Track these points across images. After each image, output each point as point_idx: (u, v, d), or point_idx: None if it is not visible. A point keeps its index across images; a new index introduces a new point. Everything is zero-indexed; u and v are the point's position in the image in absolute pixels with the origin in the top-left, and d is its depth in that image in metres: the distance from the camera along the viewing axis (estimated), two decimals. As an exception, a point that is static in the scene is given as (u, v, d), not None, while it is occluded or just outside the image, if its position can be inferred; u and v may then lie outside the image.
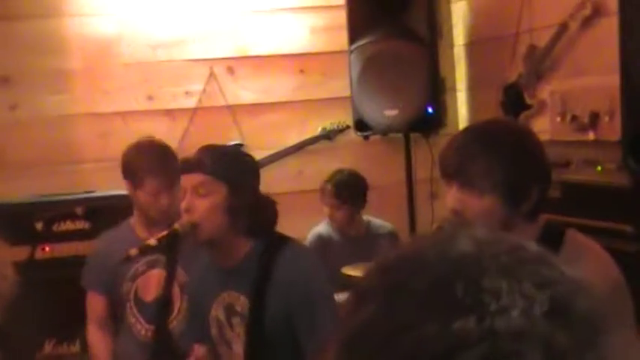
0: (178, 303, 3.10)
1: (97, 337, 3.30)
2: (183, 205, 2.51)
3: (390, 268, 0.81)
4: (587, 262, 2.00)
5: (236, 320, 2.60)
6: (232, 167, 2.57)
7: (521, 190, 2.02)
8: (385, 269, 0.82)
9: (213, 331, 2.66)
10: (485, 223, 2.02)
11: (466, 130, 2.19)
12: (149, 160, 3.15)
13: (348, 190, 4.37)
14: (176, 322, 3.09)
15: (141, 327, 3.23)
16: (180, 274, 2.95)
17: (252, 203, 2.56)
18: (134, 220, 3.25)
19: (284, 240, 2.63)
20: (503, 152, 2.02)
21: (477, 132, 2.15)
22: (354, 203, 4.39)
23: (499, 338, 0.71)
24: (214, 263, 2.65)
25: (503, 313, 0.72)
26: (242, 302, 2.57)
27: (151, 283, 3.14)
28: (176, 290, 3.00)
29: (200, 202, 2.50)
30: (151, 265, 3.13)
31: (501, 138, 2.07)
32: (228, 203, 2.51)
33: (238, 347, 2.61)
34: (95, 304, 3.30)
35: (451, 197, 2.04)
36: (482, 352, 0.71)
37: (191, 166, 2.55)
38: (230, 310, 2.61)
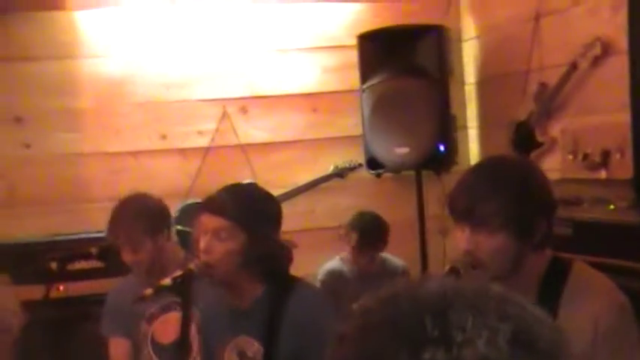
0: (196, 344, 3.10)
1: None
2: (201, 245, 2.52)
3: (366, 311, 0.88)
4: (593, 291, 2.04)
5: None
6: (256, 216, 2.56)
7: (530, 225, 2.05)
8: (362, 312, 0.89)
9: None
10: (498, 261, 2.03)
11: (473, 169, 2.20)
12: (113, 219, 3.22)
13: (373, 237, 4.38)
14: None
15: None
16: (196, 316, 2.95)
17: (268, 251, 2.56)
18: None
19: (294, 282, 2.63)
20: (511, 190, 2.04)
21: (484, 171, 2.17)
22: (377, 247, 4.40)
23: None
24: (226, 304, 2.65)
25: (469, 343, 0.79)
26: (255, 347, 2.56)
27: (168, 326, 3.13)
28: (193, 331, 3.00)
29: (219, 246, 2.50)
30: (167, 309, 3.13)
31: (509, 175, 2.09)
32: (246, 249, 2.51)
33: None
34: (117, 350, 3.29)
35: (462, 238, 2.05)
36: None
37: (215, 208, 2.55)
38: (242, 356, 2.61)
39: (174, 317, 3.03)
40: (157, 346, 3.21)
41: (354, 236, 4.38)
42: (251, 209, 2.57)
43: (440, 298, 0.84)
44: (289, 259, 2.66)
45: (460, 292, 0.86)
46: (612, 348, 1.99)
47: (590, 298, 2.02)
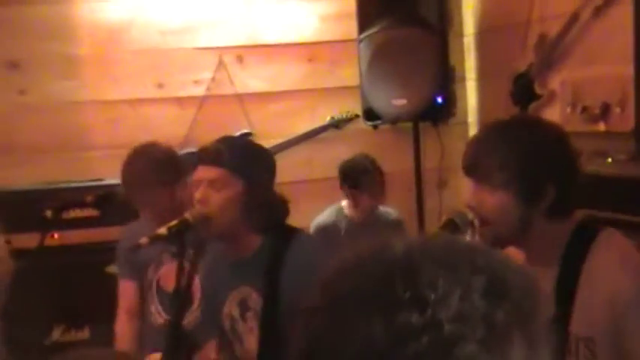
0: (199, 295, 3.11)
1: (125, 327, 3.32)
2: (197, 195, 2.50)
3: (331, 283, 0.87)
4: (611, 260, 1.96)
5: (249, 315, 2.60)
6: (251, 164, 2.55)
7: (537, 188, 1.98)
8: (326, 284, 0.87)
9: (226, 325, 2.66)
10: (500, 221, 2.00)
11: (488, 125, 2.15)
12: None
13: (365, 181, 4.36)
14: (195, 315, 3.10)
15: (159, 316, 3.25)
16: (200, 267, 2.95)
17: (266, 200, 2.55)
18: None
19: (293, 232, 2.63)
20: (518, 148, 1.98)
21: (497, 127, 2.11)
22: (373, 192, 4.38)
23: (442, 325, 0.76)
24: (225, 256, 2.65)
25: (442, 302, 0.77)
26: (254, 297, 2.57)
27: (173, 273, 3.13)
28: (197, 283, 3.00)
29: (215, 196, 2.49)
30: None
31: (519, 134, 2.03)
32: (242, 199, 2.50)
33: (249, 342, 2.60)
34: (126, 293, 3.32)
35: (469, 192, 2.04)
36: (428, 341, 0.75)
37: (210, 158, 2.53)
38: (243, 306, 2.61)
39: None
40: (161, 293, 3.23)
41: (346, 186, 4.36)
42: (246, 157, 2.56)
43: (407, 258, 0.82)
44: (286, 211, 2.65)
45: (428, 249, 0.84)
46: (633, 324, 1.90)
47: (610, 272, 1.94)
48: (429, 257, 0.82)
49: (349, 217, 4.44)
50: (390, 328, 0.77)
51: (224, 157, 2.51)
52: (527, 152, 1.98)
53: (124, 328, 3.33)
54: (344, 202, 4.48)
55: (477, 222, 2.03)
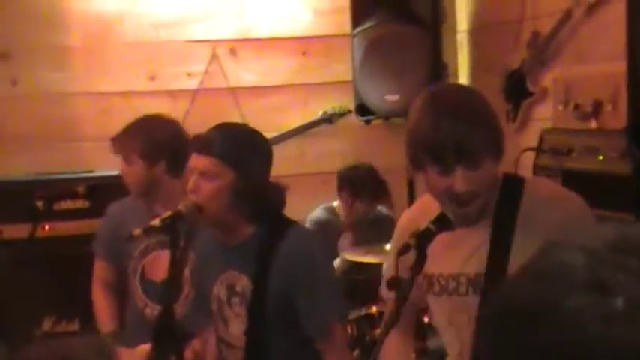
0: (188, 286, 3.11)
1: (100, 296, 3.34)
2: (189, 185, 2.51)
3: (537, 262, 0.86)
4: (543, 199, 2.06)
5: (235, 300, 2.60)
6: (243, 153, 2.54)
7: (501, 145, 2.05)
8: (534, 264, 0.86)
9: (214, 307, 2.67)
10: (487, 189, 2.04)
11: (437, 108, 2.07)
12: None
13: (367, 193, 4.37)
14: (184, 304, 3.10)
15: (145, 305, 3.24)
16: (191, 257, 2.95)
17: (260, 190, 2.55)
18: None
19: (289, 223, 2.63)
20: (485, 116, 2.05)
21: (451, 108, 2.07)
22: (371, 204, 4.40)
23: None
24: (216, 241, 2.66)
25: None
26: (243, 282, 2.58)
27: (159, 262, 3.14)
28: (186, 273, 3.01)
29: (206, 185, 2.49)
30: (162, 246, 3.12)
31: (476, 104, 2.09)
32: (234, 188, 2.50)
33: (235, 327, 2.61)
34: (101, 270, 3.34)
35: (458, 180, 1.99)
36: None
37: (202, 147, 2.53)
38: (231, 290, 2.62)
39: (166, 255, 3.03)
40: (146, 282, 3.22)
41: (344, 194, 4.37)
42: (239, 147, 2.56)
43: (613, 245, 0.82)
44: (282, 201, 2.65)
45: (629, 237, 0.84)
46: None
47: (541, 207, 2.04)
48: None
49: (341, 217, 4.45)
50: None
51: (215, 145, 2.51)
52: (494, 113, 2.08)
53: (100, 298, 3.33)
54: (336, 203, 4.49)
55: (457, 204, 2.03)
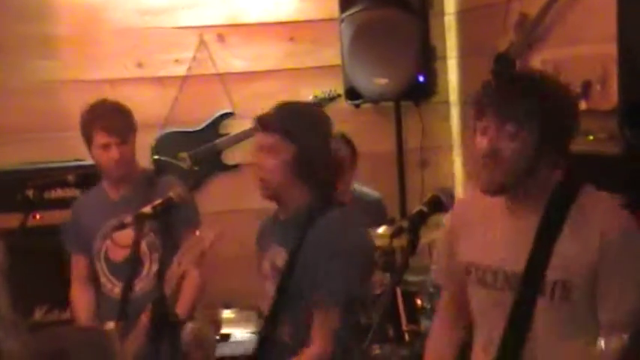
0: (148, 263, 3.19)
1: (77, 294, 3.43)
2: (255, 161, 2.70)
3: None
4: (600, 207, 2.09)
5: (275, 275, 2.73)
6: (305, 130, 2.69)
7: (554, 137, 2.09)
8: None
9: (262, 285, 2.81)
10: (515, 164, 2.06)
11: (510, 74, 2.21)
12: (97, 117, 3.29)
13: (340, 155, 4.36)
14: (145, 281, 3.17)
15: (112, 285, 3.30)
16: (150, 235, 3.03)
17: (318, 162, 2.69)
18: (105, 182, 3.33)
19: (329, 204, 2.73)
20: (548, 96, 2.09)
21: (525, 75, 2.23)
22: (345, 168, 4.38)
23: None
24: (275, 216, 2.82)
25: None
26: (283, 256, 2.71)
27: (119, 243, 3.22)
28: (144, 249, 3.10)
29: (269, 161, 2.65)
30: (121, 226, 3.17)
31: (548, 85, 2.14)
32: (296, 163, 2.65)
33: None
34: (77, 265, 3.43)
35: (486, 137, 2.05)
36: None
37: (266, 124, 2.68)
38: (273, 266, 2.76)
39: (126, 235, 3.06)
40: (110, 263, 3.29)
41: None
42: (298, 122, 2.70)
43: None
44: (334, 173, 2.79)
45: None
46: (618, 260, 2.02)
47: (597, 213, 2.07)
48: None
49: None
50: None
51: (279, 123, 2.66)
52: (556, 102, 2.09)
53: (77, 296, 3.43)
54: None
55: (482, 165, 2.05)
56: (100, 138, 3.22)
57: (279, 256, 2.73)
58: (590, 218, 2.05)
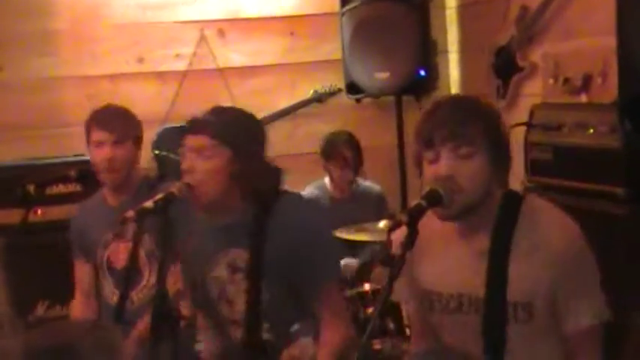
0: (147, 273, 3.15)
1: (78, 308, 3.35)
2: (185, 165, 2.51)
3: None
4: (546, 222, 2.08)
5: (239, 276, 2.58)
6: (239, 133, 2.54)
7: (503, 156, 2.10)
8: None
9: (214, 291, 2.65)
10: (474, 187, 2.05)
11: (447, 102, 2.18)
12: (97, 114, 3.22)
13: (342, 154, 4.38)
14: (144, 292, 3.15)
15: (114, 295, 3.26)
16: (147, 243, 3.00)
17: (255, 170, 2.55)
18: (105, 188, 3.30)
19: (281, 192, 2.63)
20: (492, 118, 2.12)
21: (461, 101, 2.22)
22: (351, 166, 4.40)
23: None
24: (210, 222, 2.64)
25: None
26: (245, 257, 2.57)
27: (120, 251, 3.18)
28: (143, 258, 3.07)
29: (202, 165, 2.49)
30: (121, 236, 3.16)
31: (487, 106, 2.18)
32: (230, 168, 2.50)
33: (240, 304, 2.60)
34: (81, 274, 3.34)
35: (442, 165, 2.04)
36: None
37: (198, 127, 2.53)
38: (232, 267, 2.60)
39: (125, 246, 3.06)
40: (112, 271, 3.25)
41: (329, 165, 4.39)
42: (234, 126, 2.56)
43: None
44: (278, 180, 2.64)
45: None
46: (571, 274, 2.04)
47: (543, 228, 2.06)
48: None
49: (331, 192, 4.46)
50: None
51: (211, 126, 2.51)
52: (500, 123, 2.12)
53: (78, 308, 3.35)
54: (326, 179, 4.49)
55: (445, 195, 2.03)
56: (95, 135, 3.17)
57: (240, 257, 2.58)
58: (538, 234, 2.06)
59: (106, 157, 3.14)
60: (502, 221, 2.10)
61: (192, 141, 2.52)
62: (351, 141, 4.43)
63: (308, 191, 4.47)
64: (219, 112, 2.61)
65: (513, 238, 2.07)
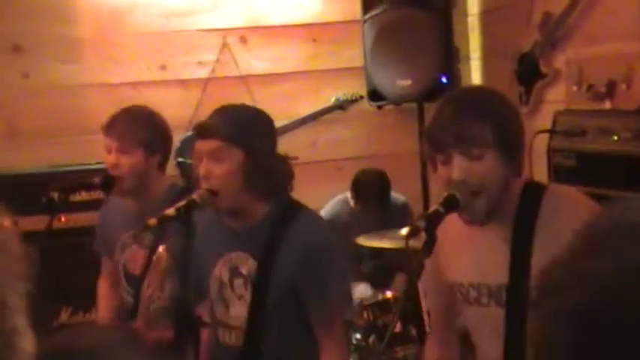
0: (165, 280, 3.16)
1: (102, 290, 3.38)
2: (200, 171, 2.51)
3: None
4: (568, 209, 2.05)
5: (238, 282, 2.58)
6: (247, 131, 2.53)
7: (516, 146, 2.09)
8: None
9: (213, 289, 2.66)
10: (491, 185, 2.04)
11: (450, 101, 2.15)
12: (105, 122, 3.14)
13: (375, 198, 4.40)
14: (161, 299, 3.15)
15: (128, 296, 3.27)
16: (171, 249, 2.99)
17: (269, 165, 2.54)
18: None
19: (299, 207, 2.62)
20: (499, 112, 2.09)
21: (465, 100, 2.17)
22: (380, 205, 4.43)
23: None
24: (224, 225, 2.64)
25: None
26: (249, 264, 2.56)
27: (138, 257, 3.17)
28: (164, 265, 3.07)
29: (217, 168, 2.48)
30: (139, 241, 3.14)
31: (492, 99, 2.14)
32: (245, 167, 2.49)
33: (236, 309, 2.60)
34: (106, 266, 3.38)
35: (455, 168, 2.01)
36: None
37: (206, 131, 2.53)
38: (234, 271, 2.60)
39: (145, 250, 3.05)
40: (129, 276, 3.25)
41: (353, 199, 4.40)
42: (242, 125, 2.54)
43: None
44: (291, 173, 2.63)
45: None
46: None
47: (564, 212, 2.03)
48: None
49: (354, 208, 4.46)
50: None
51: (219, 128, 2.50)
52: (509, 115, 2.10)
53: (102, 292, 3.37)
54: (349, 194, 4.49)
55: (462, 199, 2.02)
56: (105, 141, 3.13)
57: (243, 262, 2.57)
58: (560, 219, 2.02)
59: (111, 163, 3.11)
60: (524, 211, 2.08)
61: (203, 146, 2.53)
62: (382, 182, 4.43)
63: (330, 206, 4.47)
64: (224, 112, 2.61)
65: (536, 227, 2.05)
